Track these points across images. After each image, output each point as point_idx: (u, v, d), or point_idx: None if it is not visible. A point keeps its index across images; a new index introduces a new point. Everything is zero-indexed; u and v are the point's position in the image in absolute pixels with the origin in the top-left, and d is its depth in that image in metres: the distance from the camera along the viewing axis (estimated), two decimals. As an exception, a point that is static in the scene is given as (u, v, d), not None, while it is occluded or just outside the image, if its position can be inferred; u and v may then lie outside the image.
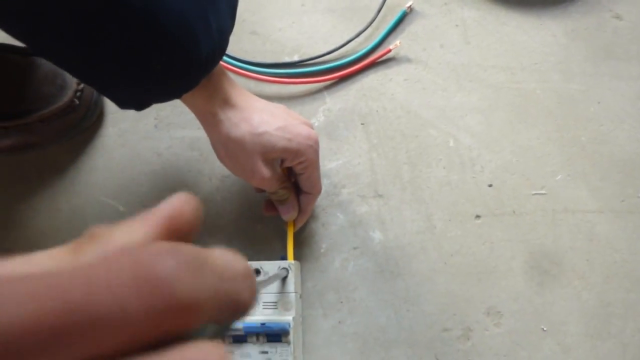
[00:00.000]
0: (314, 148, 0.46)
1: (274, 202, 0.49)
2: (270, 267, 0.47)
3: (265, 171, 0.44)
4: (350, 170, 0.54)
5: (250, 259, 0.49)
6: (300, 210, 0.49)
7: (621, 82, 0.54)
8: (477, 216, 0.52)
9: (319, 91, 0.57)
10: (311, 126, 0.48)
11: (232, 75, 0.50)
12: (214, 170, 0.55)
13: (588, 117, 0.54)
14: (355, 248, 0.52)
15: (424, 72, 0.56)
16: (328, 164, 0.54)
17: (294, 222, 0.50)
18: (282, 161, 0.46)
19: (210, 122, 0.43)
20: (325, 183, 0.53)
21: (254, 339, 0.44)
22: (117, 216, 0.55)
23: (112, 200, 0.55)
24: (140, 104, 0.41)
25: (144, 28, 0.33)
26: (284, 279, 0.46)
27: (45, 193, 0.56)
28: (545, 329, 0.49)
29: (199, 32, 0.36)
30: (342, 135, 0.55)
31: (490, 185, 0.52)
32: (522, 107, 0.54)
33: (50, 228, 0.55)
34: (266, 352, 0.44)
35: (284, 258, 0.48)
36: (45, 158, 0.57)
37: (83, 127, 0.55)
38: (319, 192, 0.49)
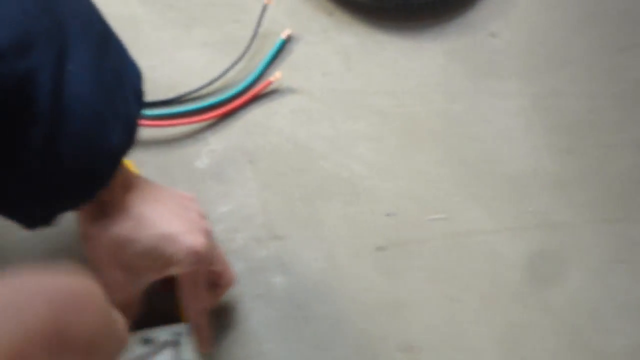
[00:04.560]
0: (196, 259, 0.38)
1: None
2: (161, 333, 0.41)
3: (126, 290, 0.38)
4: (243, 212, 0.50)
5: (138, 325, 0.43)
6: (196, 332, 0.42)
7: (501, 100, 0.55)
8: (380, 248, 0.50)
9: (200, 131, 0.52)
10: (206, 230, 0.40)
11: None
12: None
13: (472, 136, 0.54)
14: (258, 295, 0.48)
15: (309, 102, 0.54)
16: (218, 208, 0.49)
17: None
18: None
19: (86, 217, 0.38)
20: (217, 229, 0.49)
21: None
22: None
23: None
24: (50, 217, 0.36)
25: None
26: (177, 346, 0.41)
27: None
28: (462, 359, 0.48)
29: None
30: (230, 176, 0.51)
31: (388, 215, 0.51)
32: (410, 131, 0.54)
33: None
34: None
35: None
36: None
37: None
38: (203, 306, 0.42)
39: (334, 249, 0.49)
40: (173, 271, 0.39)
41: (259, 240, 0.49)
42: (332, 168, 0.51)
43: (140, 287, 0.39)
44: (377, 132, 0.53)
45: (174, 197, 0.41)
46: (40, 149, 0.31)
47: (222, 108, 0.52)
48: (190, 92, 0.53)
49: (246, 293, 0.48)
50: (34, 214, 0.35)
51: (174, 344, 0.41)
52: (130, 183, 0.38)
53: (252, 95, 0.53)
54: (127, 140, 0.36)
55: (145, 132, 0.51)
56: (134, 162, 0.45)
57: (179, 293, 0.41)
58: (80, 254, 0.38)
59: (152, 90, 0.53)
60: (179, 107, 0.52)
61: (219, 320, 0.47)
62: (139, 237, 0.37)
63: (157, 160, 0.51)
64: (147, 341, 0.41)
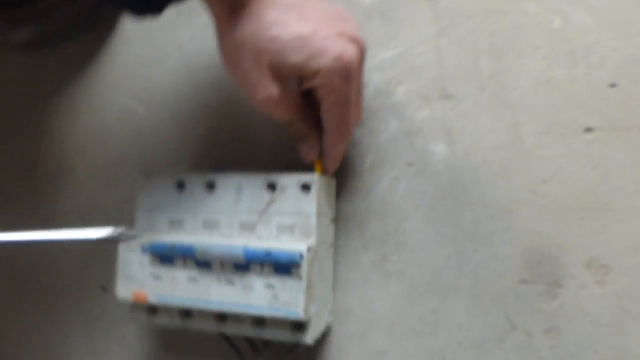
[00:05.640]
0: (344, 74, 0.33)
1: (291, 137, 0.38)
2: (288, 180, 0.37)
3: (271, 88, 0.33)
4: (410, 62, 0.40)
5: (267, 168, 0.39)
6: (324, 153, 0.37)
7: None
8: (588, 129, 0.36)
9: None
10: (358, 40, 0.34)
11: None
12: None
13: None
14: (410, 164, 0.40)
15: None
16: (381, 53, 0.41)
17: (322, 166, 0.38)
18: (302, 81, 0.35)
19: (218, 14, 0.34)
20: (375, 79, 0.41)
21: (258, 268, 0.35)
22: (136, 119, 0.48)
23: (131, 100, 0.48)
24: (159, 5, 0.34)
25: None
26: (302, 193, 0.36)
27: (65, 91, 0.51)
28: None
29: None
30: (401, 14, 0.41)
31: (612, 85, 0.36)
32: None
33: (70, 128, 0.50)
34: (272, 287, 0.35)
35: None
36: (65, 54, 0.51)
37: (100, 16, 0.48)
38: (345, 135, 0.36)
39: (522, 121, 0.37)
40: (318, 81, 0.33)
41: (424, 97, 0.40)
42: (541, 13, 0.38)
43: (286, 94, 0.35)
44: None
45: (325, 4, 0.35)
46: None
47: None
48: None
49: (396, 158, 0.40)
50: None
51: (301, 188, 0.36)
52: None
53: None
54: None
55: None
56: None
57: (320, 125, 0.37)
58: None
59: None
60: None
61: (359, 182, 0.41)
62: (279, 35, 0.32)
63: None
64: (272, 186, 0.37)
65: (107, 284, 0.47)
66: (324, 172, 0.38)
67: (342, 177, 0.41)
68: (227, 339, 0.41)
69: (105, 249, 0.48)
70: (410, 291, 0.39)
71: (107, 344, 0.47)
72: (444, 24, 0.40)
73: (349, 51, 0.33)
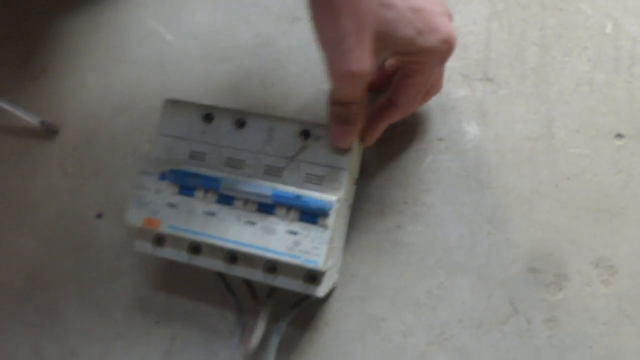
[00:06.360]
0: (444, 57, 0.31)
1: (332, 117, 0.34)
2: (324, 131, 0.36)
3: (366, 61, 0.29)
4: (459, 39, 0.40)
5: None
6: (372, 126, 0.36)
7: None
8: (619, 135, 0.37)
9: None
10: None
11: None
12: (284, 8, 0.44)
13: None
14: (439, 139, 0.40)
15: None
16: (431, 25, 0.41)
17: (362, 135, 0.37)
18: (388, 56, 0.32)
19: None
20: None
21: (283, 212, 0.34)
22: (161, 45, 0.46)
23: (159, 25, 0.46)
24: None
25: None
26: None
27: (86, 6, 0.48)
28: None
29: None
30: (459, -11, 0.41)
31: (648, 97, 0.37)
32: None
33: (87, 45, 0.47)
34: (295, 233, 0.34)
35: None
36: None
37: None
38: (407, 112, 0.35)
39: (556, 116, 0.38)
40: (418, 58, 0.31)
41: (466, 76, 0.40)
42: (594, 16, 0.39)
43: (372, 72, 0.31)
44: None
45: None
46: None
47: None
48: None
49: (427, 132, 0.40)
50: None
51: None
52: None
53: None
54: None
55: None
56: None
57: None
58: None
59: None
60: None
61: (386, 148, 0.41)
62: (395, 3, 0.29)
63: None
64: (306, 133, 0.36)
65: (103, 211, 0.45)
66: (362, 142, 0.37)
67: (370, 141, 0.41)
68: (226, 283, 0.40)
69: (107, 177, 0.45)
70: (419, 263, 0.39)
71: (93, 274, 0.45)
72: (498, 7, 0.40)
73: (454, 33, 0.31)
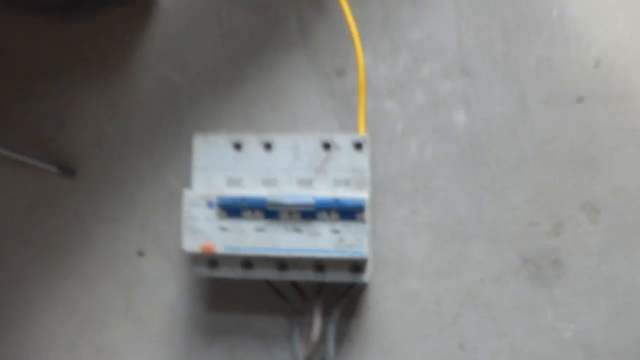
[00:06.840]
0: None
1: None
2: (342, 140, 0.41)
3: None
4: (435, 41, 0.47)
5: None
6: None
7: None
8: (580, 99, 0.45)
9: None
10: None
11: None
12: (283, 37, 0.49)
13: None
14: (435, 131, 0.46)
15: None
16: (409, 33, 0.47)
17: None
18: None
19: None
20: (405, 57, 0.47)
21: (325, 215, 0.40)
22: (172, 87, 0.50)
23: (169, 71, 0.50)
24: None
25: None
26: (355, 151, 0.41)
27: (97, 59, 0.51)
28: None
29: None
30: (427, 0, 0.47)
31: (596, 64, 0.45)
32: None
33: (103, 101, 0.51)
34: (338, 232, 0.39)
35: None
36: (99, 21, 0.51)
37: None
38: None
39: (527, 93, 0.45)
40: None
41: (446, 73, 0.46)
42: (542, 5, 0.46)
43: None
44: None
45: None
46: None
47: None
48: None
49: (423, 126, 0.46)
50: None
51: (354, 146, 0.41)
52: None
53: None
54: None
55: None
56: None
57: None
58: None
59: None
60: None
61: (392, 147, 0.46)
62: None
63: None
64: (327, 145, 0.42)
65: (143, 249, 0.49)
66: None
67: (376, 143, 0.46)
68: (276, 289, 0.45)
69: (140, 215, 0.49)
70: (437, 239, 0.45)
71: (147, 308, 0.48)
72: (463, 9, 0.47)
73: None
